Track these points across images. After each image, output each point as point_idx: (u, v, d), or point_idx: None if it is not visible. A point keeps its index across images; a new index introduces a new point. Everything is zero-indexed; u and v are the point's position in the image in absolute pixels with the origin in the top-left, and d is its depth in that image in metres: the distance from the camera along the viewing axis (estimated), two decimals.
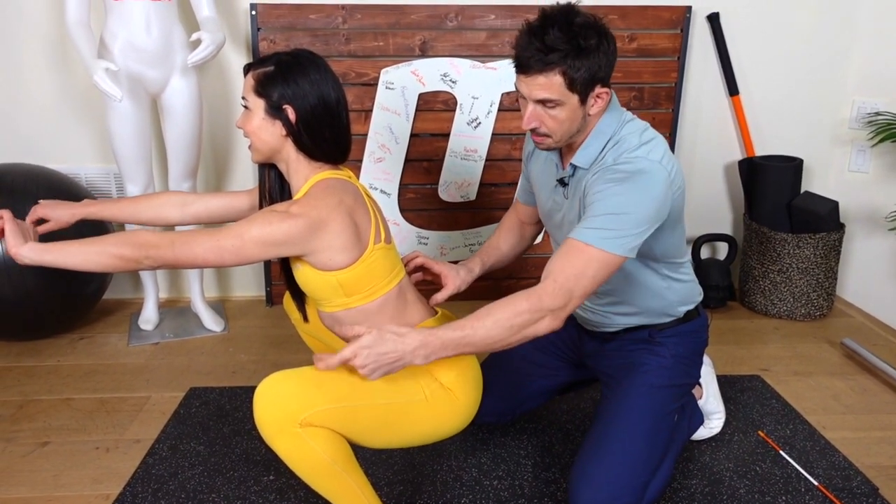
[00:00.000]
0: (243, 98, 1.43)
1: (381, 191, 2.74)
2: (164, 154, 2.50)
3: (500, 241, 1.89)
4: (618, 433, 1.57)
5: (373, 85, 2.64)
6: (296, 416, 1.28)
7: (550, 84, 1.39)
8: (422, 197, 2.78)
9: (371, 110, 2.66)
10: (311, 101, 1.39)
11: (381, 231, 1.45)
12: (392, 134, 2.68)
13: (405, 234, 2.80)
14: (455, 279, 1.71)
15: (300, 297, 1.61)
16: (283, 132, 1.41)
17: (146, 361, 2.38)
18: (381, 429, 1.39)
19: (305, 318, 1.67)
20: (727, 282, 2.80)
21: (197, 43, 2.21)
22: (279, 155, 1.45)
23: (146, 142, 2.35)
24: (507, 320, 1.34)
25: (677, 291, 1.65)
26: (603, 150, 1.49)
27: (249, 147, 1.46)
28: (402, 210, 2.78)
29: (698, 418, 1.83)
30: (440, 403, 1.44)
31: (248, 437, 1.94)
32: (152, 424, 2.01)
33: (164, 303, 2.85)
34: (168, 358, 2.41)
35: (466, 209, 2.81)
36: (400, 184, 2.75)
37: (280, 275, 2.63)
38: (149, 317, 2.62)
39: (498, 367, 1.89)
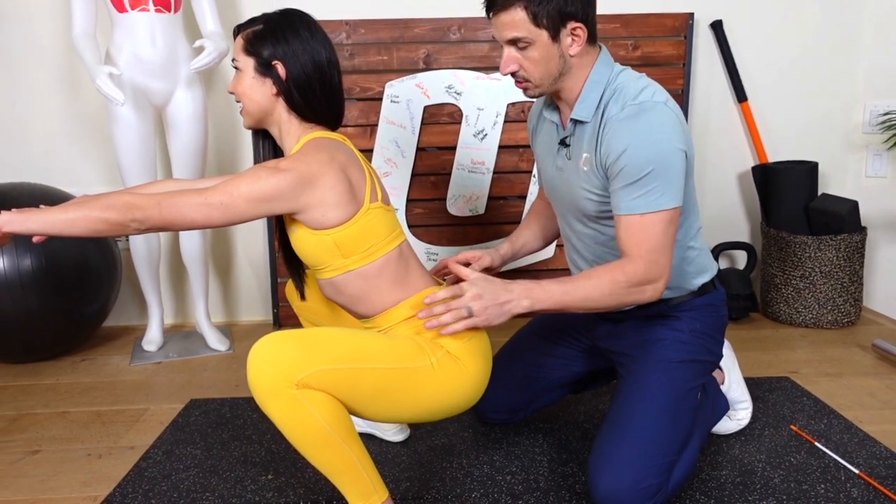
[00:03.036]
0: (233, 60, 1.41)
1: None
2: (170, 168, 2.49)
3: (530, 221, 1.84)
4: (636, 413, 1.46)
5: (377, 99, 2.63)
6: (293, 375, 1.19)
7: (514, 21, 1.37)
8: (430, 212, 2.73)
9: (376, 125, 2.65)
10: (302, 58, 1.37)
11: (377, 191, 1.40)
12: (398, 147, 2.66)
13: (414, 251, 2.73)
14: (485, 256, 1.69)
15: (298, 271, 1.54)
16: (274, 91, 1.38)
17: (147, 378, 2.31)
18: (383, 396, 1.29)
19: (302, 296, 1.60)
20: (748, 290, 2.69)
21: (200, 50, 2.22)
22: (271, 117, 1.42)
23: (150, 153, 2.34)
24: (608, 286, 1.35)
25: (691, 261, 1.57)
26: (601, 99, 1.45)
27: (241, 112, 1.43)
28: (410, 226, 2.73)
29: (723, 403, 1.71)
30: (448, 372, 1.35)
31: (248, 441, 1.84)
32: (148, 433, 1.92)
33: (169, 328, 2.79)
34: (170, 375, 2.33)
35: (476, 223, 2.75)
36: (407, 199, 2.71)
37: (285, 298, 2.56)
38: (152, 338, 2.55)
39: (509, 359, 1.80)
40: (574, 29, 1.40)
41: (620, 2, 2.68)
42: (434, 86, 2.63)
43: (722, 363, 1.79)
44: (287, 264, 1.53)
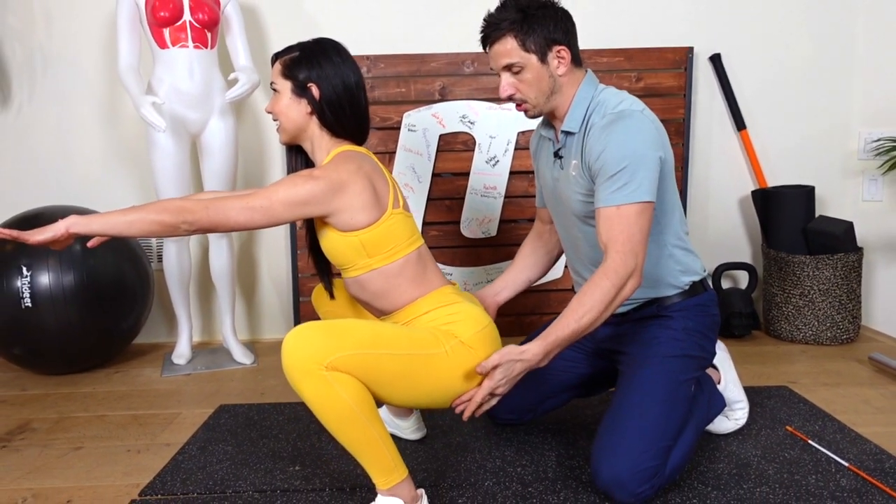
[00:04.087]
0: (272, 83, 1.59)
1: None
2: (202, 191, 2.66)
3: (520, 254, 2.01)
4: (633, 403, 1.59)
5: (396, 128, 2.81)
6: (322, 358, 1.33)
7: (506, 49, 1.59)
8: (445, 234, 2.89)
9: (395, 152, 2.82)
10: (334, 81, 1.54)
11: (399, 199, 1.56)
12: (415, 173, 2.83)
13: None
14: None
15: (326, 272, 1.69)
16: (309, 110, 1.55)
17: (178, 387, 2.45)
18: (401, 380, 1.43)
19: (331, 295, 1.75)
20: (750, 308, 2.81)
21: (234, 82, 2.42)
22: (305, 133, 1.59)
23: (185, 177, 2.51)
24: (601, 302, 1.48)
25: (678, 260, 1.71)
26: (586, 112, 1.64)
27: (278, 129, 1.61)
28: None
29: (718, 399, 1.82)
30: (461, 359, 1.48)
31: (275, 439, 1.97)
32: (182, 432, 2.05)
33: (196, 345, 2.93)
34: (199, 385, 2.47)
35: (488, 245, 2.90)
36: (423, 222, 2.87)
37: (308, 316, 2.71)
38: (182, 352, 2.70)
39: None
40: (559, 51, 1.61)
41: (624, 37, 2.86)
42: (449, 115, 2.81)
43: (717, 363, 1.91)
44: (316, 266, 1.68)
